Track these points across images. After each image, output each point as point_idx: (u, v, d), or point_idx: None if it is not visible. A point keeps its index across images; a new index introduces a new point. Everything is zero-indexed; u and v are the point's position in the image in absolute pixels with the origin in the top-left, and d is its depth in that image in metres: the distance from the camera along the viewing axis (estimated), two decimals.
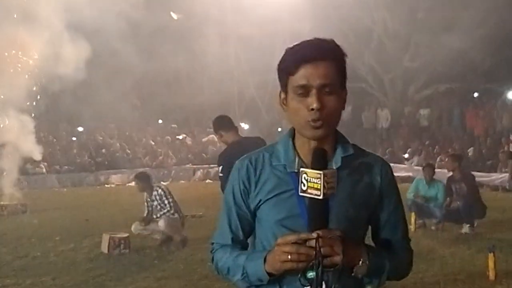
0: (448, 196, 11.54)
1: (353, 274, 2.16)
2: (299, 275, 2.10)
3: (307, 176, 2.04)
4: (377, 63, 28.57)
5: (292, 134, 2.34)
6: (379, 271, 2.22)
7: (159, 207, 10.50)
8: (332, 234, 2.06)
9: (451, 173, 11.99)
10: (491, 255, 7.59)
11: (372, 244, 2.36)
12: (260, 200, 2.32)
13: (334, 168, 2.18)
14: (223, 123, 7.00)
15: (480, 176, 16.30)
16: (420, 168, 20.90)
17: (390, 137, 26.55)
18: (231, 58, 29.70)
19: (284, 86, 2.25)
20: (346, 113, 28.77)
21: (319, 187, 2.01)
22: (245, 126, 29.44)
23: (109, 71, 22.89)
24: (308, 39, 2.25)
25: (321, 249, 2.02)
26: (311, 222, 2.09)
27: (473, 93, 26.05)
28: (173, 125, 30.22)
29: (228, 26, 28.43)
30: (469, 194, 11.33)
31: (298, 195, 2.11)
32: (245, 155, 2.43)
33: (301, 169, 2.10)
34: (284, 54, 2.25)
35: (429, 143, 23.85)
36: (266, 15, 26.35)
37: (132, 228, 10.66)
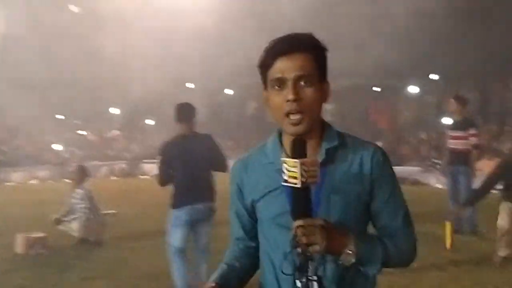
0: None
1: (340, 263, 2.14)
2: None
3: (287, 165, 2.03)
4: None
5: (280, 131, 2.34)
6: (371, 259, 2.17)
7: (76, 206, 10.16)
8: (313, 223, 2.02)
9: None
10: (448, 224, 7.64)
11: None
12: (253, 200, 2.36)
13: (319, 161, 2.12)
14: (178, 113, 6.69)
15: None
16: None
17: None
18: (132, 51, 29.09)
19: (264, 82, 2.27)
20: (250, 108, 29.16)
21: (296, 176, 2.00)
22: (150, 122, 29.01)
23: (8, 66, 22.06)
24: (287, 33, 2.26)
25: (303, 238, 2.01)
26: (294, 211, 2.06)
27: (376, 88, 26.60)
28: (75, 121, 29.37)
29: (128, 19, 27.82)
30: None
31: (288, 191, 2.10)
32: (240, 157, 2.47)
33: (281, 159, 2.06)
34: (263, 51, 2.25)
35: None
36: (167, 7, 26.04)
37: (53, 219, 10.30)
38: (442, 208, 12.00)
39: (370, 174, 2.24)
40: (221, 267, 2.39)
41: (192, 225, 6.59)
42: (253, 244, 2.46)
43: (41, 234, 9.87)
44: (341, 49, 25.51)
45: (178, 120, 6.66)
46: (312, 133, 2.24)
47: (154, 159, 23.98)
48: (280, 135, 2.33)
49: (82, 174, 10.63)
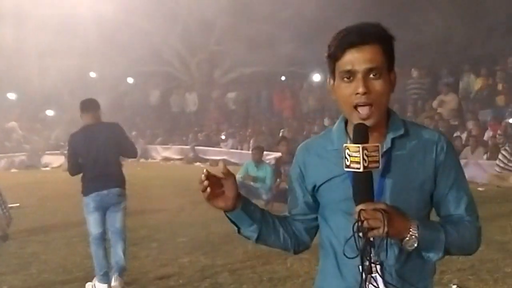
0: (277, 177, 11.68)
1: (402, 247, 2.17)
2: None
3: (349, 151, 2.08)
4: (183, 47, 28.46)
5: (345, 119, 2.35)
6: (433, 245, 2.19)
7: None
8: (375, 206, 2.05)
9: (279, 155, 12.21)
10: None
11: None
12: (315, 185, 2.39)
13: (384, 149, 2.22)
14: (82, 105, 6.99)
15: None
16: (236, 151, 21.70)
17: (199, 120, 26.62)
18: (30, 41, 28.08)
19: (332, 73, 2.27)
20: (154, 97, 28.76)
21: (358, 160, 2.05)
22: (49, 112, 28.11)
23: None
24: (356, 23, 2.23)
25: (364, 222, 2.04)
26: (356, 196, 2.11)
27: (280, 76, 26.73)
28: None
29: (25, 7, 26.83)
30: None
31: (351, 177, 2.15)
32: (305, 141, 2.52)
33: (344, 144, 2.11)
34: (330, 41, 2.23)
35: (239, 125, 24.24)
36: None
37: None
38: None
39: (434, 161, 2.27)
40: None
41: (104, 211, 6.86)
42: (299, 226, 2.50)
43: None
44: (242, 38, 25.78)
45: (83, 111, 6.96)
46: (379, 122, 2.25)
47: (56, 150, 23.39)
48: (345, 123, 2.34)
49: None
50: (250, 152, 18.65)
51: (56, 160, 22.91)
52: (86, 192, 6.82)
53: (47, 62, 27.35)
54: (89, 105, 7.03)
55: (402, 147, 2.27)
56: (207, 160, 21.64)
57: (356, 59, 2.15)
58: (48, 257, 8.55)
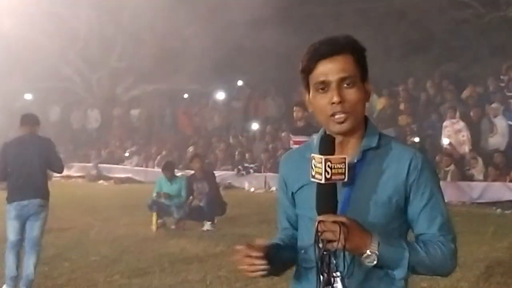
0: (190, 195, 11.71)
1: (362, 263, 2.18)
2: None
3: (315, 161, 2.11)
4: (83, 63, 27.93)
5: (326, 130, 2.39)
6: (396, 262, 2.18)
7: None
8: (335, 219, 2.07)
9: (191, 172, 12.19)
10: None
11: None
12: (292, 193, 2.45)
13: (355, 161, 2.26)
14: (21, 119, 7.49)
15: None
16: (141, 168, 21.38)
17: (101, 137, 26.17)
18: None
19: (306, 86, 2.33)
20: (54, 114, 28.01)
21: (321, 172, 2.08)
22: None
23: None
24: (327, 37, 2.29)
25: (323, 234, 2.07)
26: (317, 206, 2.13)
27: (183, 94, 26.63)
28: None
29: None
30: (210, 192, 11.66)
31: (316, 188, 2.16)
32: (289, 150, 2.60)
33: (312, 155, 2.14)
34: (303, 56, 2.29)
35: (143, 143, 24.00)
36: None
37: None
38: (259, 211, 12.42)
39: (406, 179, 2.26)
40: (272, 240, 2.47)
41: (24, 220, 7.19)
42: (290, 233, 2.53)
43: None
44: (144, 55, 25.60)
45: (21, 124, 7.42)
46: (355, 133, 2.30)
47: None
48: (326, 133, 2.35)
49: None
50: (155, 169, 18.58)
51: None
52: (9, 200, 7.18)
53: None
54: (27, 119, 7.48)
55: (373, 160, 2.29)
56: (111, 178, 21.30)
57: (329, 69, 2.21)
58: None
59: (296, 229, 2.50)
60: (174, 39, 24.53)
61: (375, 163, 2.28)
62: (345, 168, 2.09)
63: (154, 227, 11.29)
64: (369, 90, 2.32)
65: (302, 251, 2.37)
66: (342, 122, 2.22)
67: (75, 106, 27.93)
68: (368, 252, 2.11)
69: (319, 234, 2.08)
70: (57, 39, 26.29)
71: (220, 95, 24.07)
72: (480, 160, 14.43)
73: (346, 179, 2.11)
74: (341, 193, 2.19)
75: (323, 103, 2.24)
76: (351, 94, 2.22)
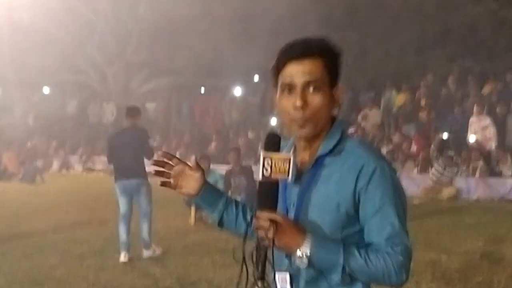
0: (227, 189, 11.71)
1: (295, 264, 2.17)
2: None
3: (262, 159, 2.13)
4: (99, 56, 28.10)
5: None
6: (329, 267, 2.14)
7: None
8: (269, 216, 2.08)
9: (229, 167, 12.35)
10: None
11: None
12: None
13: (309, 166, 2.25)
14: (126, 111, 9.13)
15: None
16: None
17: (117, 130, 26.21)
18: None
19: (275, 84, 2.29)
20: (71, 107, 28.23)
21: (261, 169, 2.11)
22: None
23: None
24: (302, 37, 2.27)
25: (258, 230, 2.09)
26: (257, 203, 2.15)
27: (199, 87, 26.73)
28: None
29: None
30: (248, 186, 11.73)
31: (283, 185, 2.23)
32: None
33: (260, 151, 2.16)
34: (278, 53, 2.27)
35: (160, 137, 24.10)
36: None
37: None
38: None
39: (355, 184, 2.18)
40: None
41: (129, 196, 8.78)
42: None
43: None
44: (160, 48, 25.73)
45: (125, 116, 9.07)
46: (318, 137, 2.27)
47: None
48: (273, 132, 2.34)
49: None
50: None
51: None
52: (115, 179, 8.90)
53: None
54: (130, 112, 9.07)
55: (327, 165, 2.24)
56: None
57: (296, 71, 2.18)
58: (8, 268, 8.38)
59: None
60: (189, 32, 24.65)
61: (328, 169, 2.24)
62: (288, 167, 2.09)
63: (192, 221, 11.44)
64: (337, 96, 2.27)
65: None
66: (302, 127, 2.21)
67: (92, 99, 28.10)
68: (299, 252, 2.10)
69: (255, 230, 2.10)
70: (74, 32, 26.45)
71: (237, 91, 24.20)
72: (508, 156, 14.50)
73: (290, 179, 2.11)
74: (293, 195, 2.23)
75: (287, 105, 2.21)
76: (316, 99, 2.18)
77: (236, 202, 2.53)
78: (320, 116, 2.21)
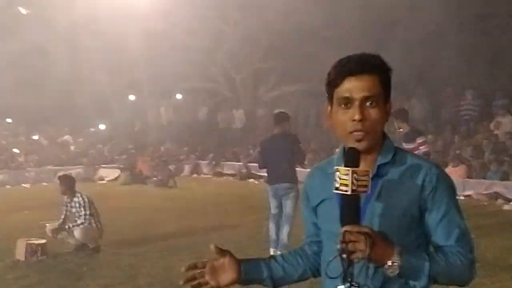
0: None
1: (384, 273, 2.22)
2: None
3: (340, 173, 2.16)
4: (229, 64, 28.78)
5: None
6: (417, 273, 2.22)
7: (76, 214, 10.16)
8: (359, 229, 2.13)
9: None
10: None
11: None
12: (313, 207, 2.55)
13: (371, 176, 2.26)
14: (274, 118, 9.48)
15: None
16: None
17: (246, 137, 26.82)
18: (82, 54, 28.59)
19: (330, 99, 2.38)
20: (202, 114, 29.10)
21: (348, 183, 2.13)
22: (102, 126, 28.54)
23: None
24: (355, 53, 2.35)
25: (349, 244, 2.12)
26: (342, 217, 2.19)
27: (325, 94, 26.71)
28: (23, 125, 28.43)
29: (78, 22, 27.38)
30: None
31: (339, 198, 2.24)
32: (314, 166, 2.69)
33: (335, 167, 2.21)
34: (331, 68, 2.36)
35: None
36: (118, 11, 25.79)
37: (47, 230, 10.31)
38: None
39: (420, 193, 2.31)
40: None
41: (279, 198, 9.14)
42: (315, 248, 2.65)
43: (42, 241, 9.81)
44: (287, 55, 26.02)
45: (274, 122, 9.38)
46: (373, 150, 2.36)
47: (110, 163, 23.69)
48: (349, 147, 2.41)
49: (69, 182, 10.46)
50: (305, 169, 18.82)
51: (112, 173, 23.41)
52: (269, 182, 9.40)
53: (97, 75, 27.88)
54: (278, 118, 9.38)
55: (389, 173, 2.34)
56: (261, 176, 21.68)
57: (354, 87, 2.27)
58: (148, 270, 8.80)
59: (312, 242, 2.65)
60: (316, 40, 24.81)
61: (391, 177, 2.34)
62: (369, 180, 2.16)
63: None
64: (389, 110, 2.37)
65: (325, 263, 2.40)
66: (360, 140, 2.28)
67: (221, 106, 28.78)
68: (390, 262, 2.16)
69: (344, 244, 2.12)
70: (205, 40, 27.24)
71: None
72: None
73: (369, 191, 2.19)
74: (361, 206, 2.26)
75: (344, 119, 2.30)
76: (373, 113, 2.28)
77: (276, 257, 2.63)
78: (377, 130, 2.32)
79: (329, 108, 2.40)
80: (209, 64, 28.20)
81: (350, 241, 2.10)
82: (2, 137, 26.30)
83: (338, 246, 2.14)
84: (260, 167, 10.05)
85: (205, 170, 24.65)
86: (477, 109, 20.14)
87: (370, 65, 2.29)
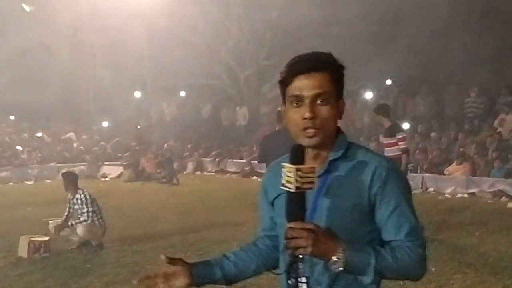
0: None
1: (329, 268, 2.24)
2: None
3: (285, 170, 2.20)
4: (233, 61, 28.74)
5: None
6: (362, 268, 2.23)
7: (79, 211, 10.16)
8: (302, 226, 2.16)
9: None
10: None
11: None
12: (270, 201, 2.59)
13: (322, 172, 2.36)
14: (276, 117, 9.56)
15: None
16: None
17: (250, 134, 26.75)
18: (85, 51, 28.64)
19: (283, 97, 2.42)
20: (206, 111, 29.06)
21: (292, 181, 2.16)
22: (105, 124, 28.53)
23: None
24: (307, 52, 2.39)
25: (292, 240, 2.14)
26: (287, 214, 2.22)
27: None
28: (26, 122, 28.44)
29: (82, 19, 27.43)
30: None
31: (286, 197, 2.26)
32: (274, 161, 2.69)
33: (282, 163, 2.25)
34: (284, 67, 2.39)
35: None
36: (122, 7, 25.81)
37: (50, 227, 10.34)
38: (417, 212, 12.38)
39: (369, 187, 2.34)
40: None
41: None
42: (268, 242, 2.68)
43: (45, 238, 9.82)
44: (291, 53, 25.97)
45: (277, 120, 9.51)
46: (325, 146, 2.39)
47: (113, 161, 23.67)
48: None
49: (72, 179, 10.46)
50: None
51: (115, 171, 23.38)
52: None
53: (101, 73, 27.91)
54: (281, 115, 8.76)
55: (340, 169, 2.37)
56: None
57: (304, 85, 2.30)
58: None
59: (266, 236, 2.69)
60: (321, 37, 24.75)
61: (341, 173, 2.36)
62: (314, 177, 2.17)
63: None
64: (342, 107, 2.41)
65: (279, 258, 2.49)
66: (312, 137, 2.31)
67: (225, 103, 28.74)
68: (334, 258, 2.18)
69: (288, 240, 2.15)
70: (209, 37, 27.23)
71: (369, 95, 24.05)
72: None
73: (315, 188, 2.22)
74: (309, 201, 2.26)
75: (296, 117, 2.33)
76: (324, 111, 2.31)
77: (228, 256, 2.65)
78: (329, 127, 2.35)
79: (283, 107, 2.44)
80: (213, 61, 28.15)
81: (293, 238, 2.13)
82: (5, 134, 26.31)
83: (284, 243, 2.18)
84: (259, 161, 10.02)
85: (208, 167, 24.58)
86: (482, 106, 20.01)
87: (320, 63, 2.32)
